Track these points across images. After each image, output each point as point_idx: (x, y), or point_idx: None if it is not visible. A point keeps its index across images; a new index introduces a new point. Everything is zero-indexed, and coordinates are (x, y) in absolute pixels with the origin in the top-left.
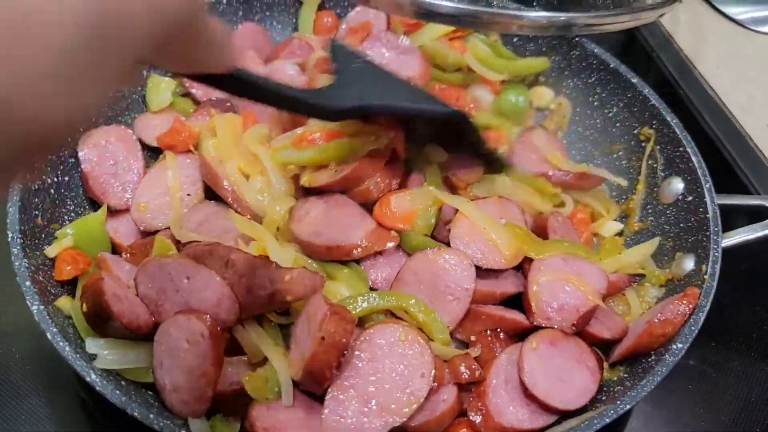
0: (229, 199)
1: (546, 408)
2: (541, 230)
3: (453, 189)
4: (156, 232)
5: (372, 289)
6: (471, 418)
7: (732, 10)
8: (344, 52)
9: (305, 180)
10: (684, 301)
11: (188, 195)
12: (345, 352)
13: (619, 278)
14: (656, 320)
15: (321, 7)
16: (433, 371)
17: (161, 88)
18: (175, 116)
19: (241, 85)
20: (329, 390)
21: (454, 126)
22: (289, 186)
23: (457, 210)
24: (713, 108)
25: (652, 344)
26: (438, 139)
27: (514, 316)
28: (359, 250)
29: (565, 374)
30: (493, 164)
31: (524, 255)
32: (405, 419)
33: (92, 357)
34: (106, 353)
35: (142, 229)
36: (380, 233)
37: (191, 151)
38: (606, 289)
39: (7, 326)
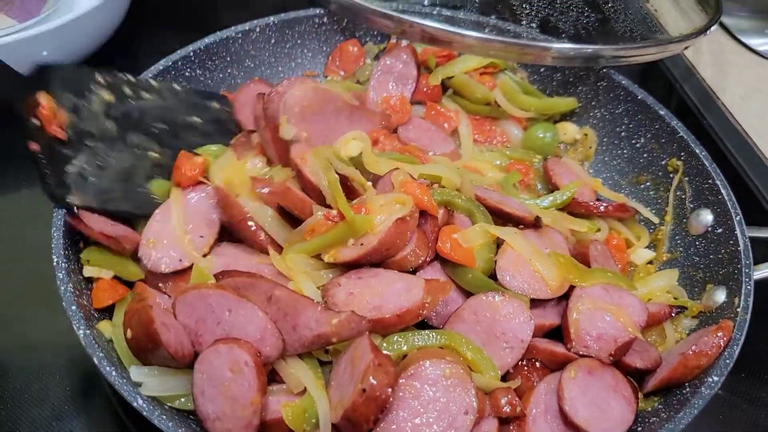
0: (251, 229)
1: None
2: (581, 258)
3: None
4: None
5: (425, 324)
6: None
7: (754, 42)
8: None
9: (329, 257)
10: (719, 334)
11: (200, 237)
12: (385, 406)
13: (660, 309)
14: (691, 352)
15: (346, 37)
16: (476, 406)
17: None
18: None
19: None
20: (378, 429)
21: None
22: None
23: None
24: (738, 139)
25: (687, 376)
26: None
27: (549, 346)
28: (426, 305)
29: (603, 403)
30: None
31: (569, 284)
32: None
33: (137, 384)
34: (150, 381)
35: (148, 267)
36: (435, 284)
37: (202, 181)
38: (645, 321)
39: (40, 334)
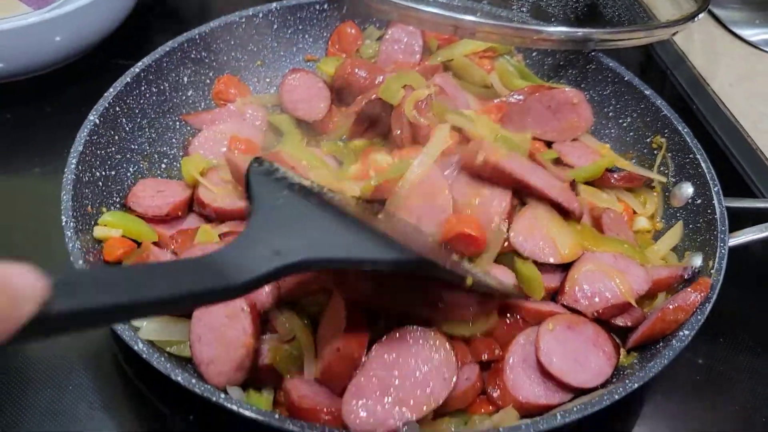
0: None
1: (561, 385)
2: (595, 225)
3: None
4: None
5: None
6: (489, 391)
7: (746, 32)
8: (266, 181)
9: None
10: (696, 290)
11: None
12: (357, 366)
13: (672, 273)
14: (670, 307)
15: (343, 19)
16: (455, 378)
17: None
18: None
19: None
20: (355, 373)
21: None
22: None
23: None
24: (725, 122)
25: (665, 330)
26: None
27: (536, 305)
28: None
29: (580, 356)
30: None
31: (584, 250)
32: (420, 416)
33: (136, 329)
34: (148, 325)
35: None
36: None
37: None
38: (645, 291)
39: None
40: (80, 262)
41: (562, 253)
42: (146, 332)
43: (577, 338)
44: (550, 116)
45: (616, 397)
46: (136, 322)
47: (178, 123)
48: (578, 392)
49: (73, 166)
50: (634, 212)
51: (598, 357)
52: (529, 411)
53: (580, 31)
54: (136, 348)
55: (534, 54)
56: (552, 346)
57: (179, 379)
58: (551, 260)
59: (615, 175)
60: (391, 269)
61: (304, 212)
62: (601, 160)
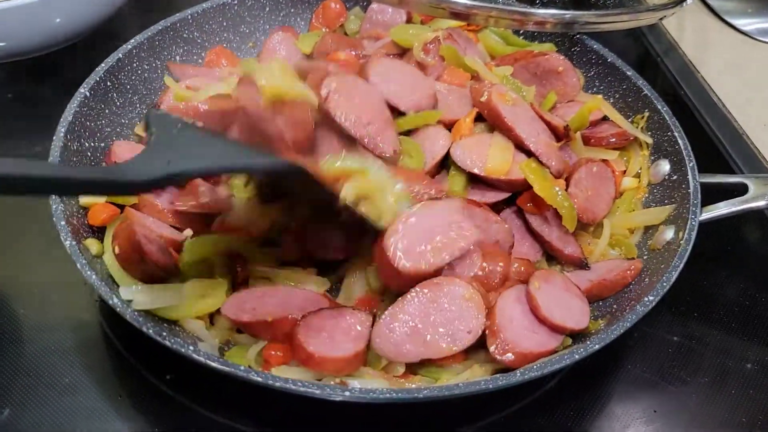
0: None
1: (556, 330)
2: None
3: None
4: None
5: None
6: (491, 349)
7: (738, 21)
8: (163, 119)
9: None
10: (629, 269)
11: None
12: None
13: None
14: (603, 280)
15: None
16: (480, 332)
17: None
18: None
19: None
20: (390, 307)
21: (295, 185)
22: None
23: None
24: (713, 108)
25: (594, 299)
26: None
27: None
28: None
29: (564, 303)
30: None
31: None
32: (437, 357)
33: (127, 302)
34: (139, 296)
35: None
36: None
37: None
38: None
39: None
40: (62, 223)
41: (487, 166)
42: (138, 303)
43: (555, 288)
44: (537, 83)
45: (576, 357)
46: (126, 296)
47: None
48: (576, 332)
49: (61, 134)
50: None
51: (574, 299)
52: (526, 361)
53: (567, 14)
54: (110, 302)
55: (520, 35)
56: (546, 301)
57: (150, 332)
58: (475, 170)
59: (611, 137)
60: (265, 174)
61: (194, 139)
62: (583, 107)
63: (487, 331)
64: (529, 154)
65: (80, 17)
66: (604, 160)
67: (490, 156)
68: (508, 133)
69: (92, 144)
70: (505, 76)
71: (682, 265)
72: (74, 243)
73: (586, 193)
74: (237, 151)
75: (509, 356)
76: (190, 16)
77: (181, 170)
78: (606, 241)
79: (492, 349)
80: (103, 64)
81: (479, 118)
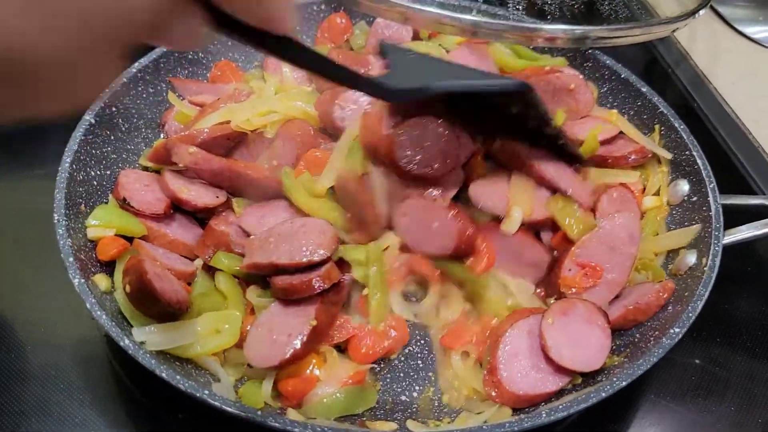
0: None
1: (560, 370)
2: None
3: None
4: None
5: None
6: (487, 391)
7: (749, 30)
8: (395, 49)
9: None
10: (660, 293)
11: None
12: None
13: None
14: (632, 307)
15: (336, 9)
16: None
17: None
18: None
19: (293, 52)
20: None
21: (519, 103)
22: None
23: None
24: (726, 120)
25: (624, 327)
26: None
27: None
28: None
29: (581, 338)
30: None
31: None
32: None
33: (141, 344)
34: (152, 337)
35: None
36: None
37: None
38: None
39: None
40: (71, 259)
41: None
42: (152, 344)
43: (573, 321)
44: (549, 100)
45: (603, 394)
46: (140, 338)
47: None
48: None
49: (67, 164)
50: (643, 191)
51: (594, 332)
52: (529, 403)
53: (578, 29)
54: (122, 344)
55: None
56: (557, 339)
57: (164, 375)
58: (498, 213)
59: (631, 155)
60: (500, 92)
61: (431, 62)
62: (589, 133)
63: (488, 366)
64: (552, 189)
65: None
66: (621, 183)
67: (512, 198)
68: (529, 171)
69: (98, 172)
70: None
71: (707, 294)
72: (83, 281)
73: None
74: (478, 73)
75: (504, 394)
76: None
77: (432, 85)
78: (633, 265)
79: (486, 390)
80: (107, 89)
81: None
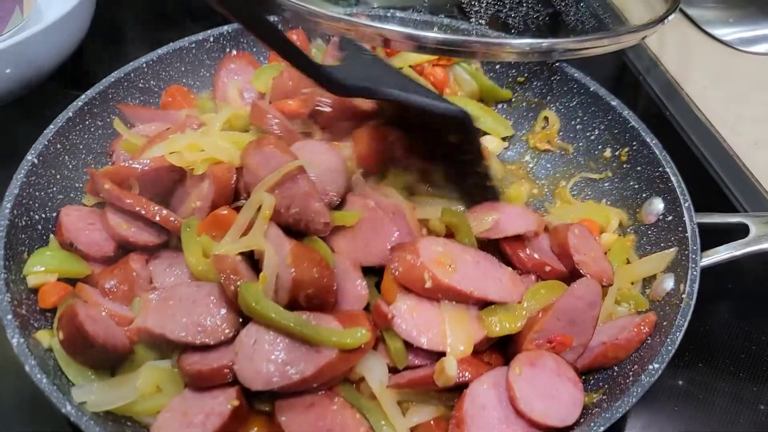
0: None
1: (539, 427)
2: (559, 248)
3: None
4: None
5: None
6: None
7: (719, 32)
8: (353, 45)
9: None
10: (642, 327)
11: None
12: None
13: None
14: (611, 344)
15: (291, 27)
16: None
17: None
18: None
19: (271, 34)
20: None
21: (457, 132)
22: None
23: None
24: (700, 128)
25: (606, 364)
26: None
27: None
28: None
29: (552, 390)
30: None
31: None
32: None
33: (82, 404)
34: (92, 398)
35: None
36: None
37: None
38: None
39: None
40: (9, 317)
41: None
42: (93, 405)
43: (542, 373)
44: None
45: None
46: (80, 398)
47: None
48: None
49: (7, 211)
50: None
51: (566, 386)
52: None
53: (545, 42)
54: (64, 411)
55: (498, 67)
56: (526, 391)
57: None
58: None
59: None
60: (437, 113)
61: (384, 67)
62: None
63: (454, 420)
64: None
65: (31, 67)
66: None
67: (451, 333)
68: (467, 299)
69: (43, 215)
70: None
71: (686, 325)
72: (22, 341)
73: (590, 254)
74: (426, 92)
75: None
76: (144, 64)
77: (378, 89)
78: (612, 299)
79: None
80: (51, 125)
81: None
